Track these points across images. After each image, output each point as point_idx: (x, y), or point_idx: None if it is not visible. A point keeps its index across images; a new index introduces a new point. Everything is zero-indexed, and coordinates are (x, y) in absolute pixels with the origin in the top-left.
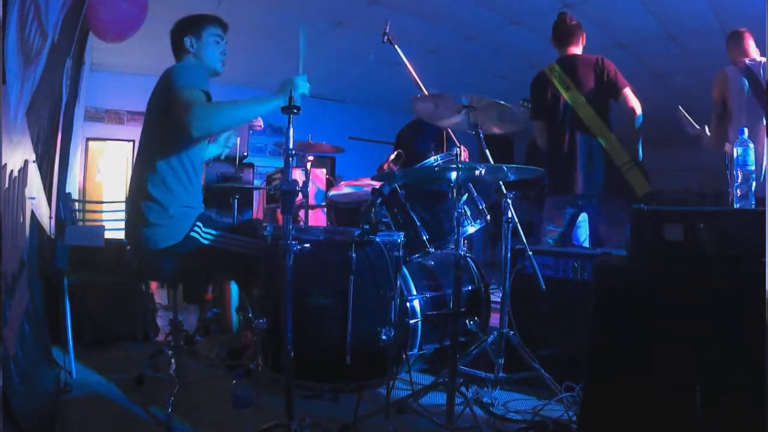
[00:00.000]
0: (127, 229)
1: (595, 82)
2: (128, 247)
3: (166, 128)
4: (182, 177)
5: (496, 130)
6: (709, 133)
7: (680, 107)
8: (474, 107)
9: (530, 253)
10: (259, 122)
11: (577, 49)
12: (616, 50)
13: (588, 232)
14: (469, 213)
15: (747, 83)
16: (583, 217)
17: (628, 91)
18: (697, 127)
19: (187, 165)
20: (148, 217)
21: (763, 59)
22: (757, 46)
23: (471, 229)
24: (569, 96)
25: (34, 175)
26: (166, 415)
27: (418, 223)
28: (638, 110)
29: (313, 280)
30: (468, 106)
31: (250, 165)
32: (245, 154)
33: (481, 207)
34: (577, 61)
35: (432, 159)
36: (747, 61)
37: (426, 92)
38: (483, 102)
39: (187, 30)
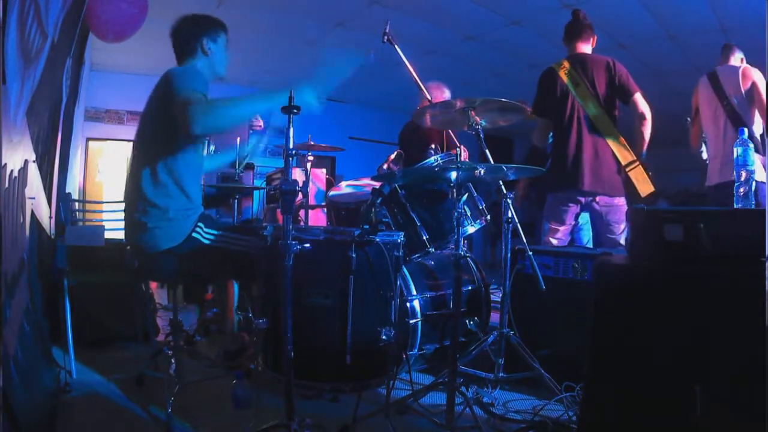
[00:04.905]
0: (126, 232)
1: (607, 83)
2: (128, 248)
3: (164, 131)
4: (180, 179)
5: (502, 123)
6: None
7: (688, 119)
8: (476, 107)
9: (530, 253)
10: (259, 122)
11: (586, 48)
12: (616, 50)
13: (591, 234)
14: (469, 213)
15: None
16: (584, 219)
17: (638, 97)
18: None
19: (184, 167)
20: (147, 220)
21: (742, 65)
22: (757, 46)
23: (471, 229)
24: (577, 93)
25: (34, 175)
26: (166, 415)
27: (418, 223)
28: (647, 114)
29: (313, 280)
30: (470, 107)
31: (251, 165)
32: (245, 154)
33: (481, 207)
34: (587, 60)
35: (432, 159)
36: (717, 67)
37: (428, 97)
38: (484, 102)
39: (206, 31)
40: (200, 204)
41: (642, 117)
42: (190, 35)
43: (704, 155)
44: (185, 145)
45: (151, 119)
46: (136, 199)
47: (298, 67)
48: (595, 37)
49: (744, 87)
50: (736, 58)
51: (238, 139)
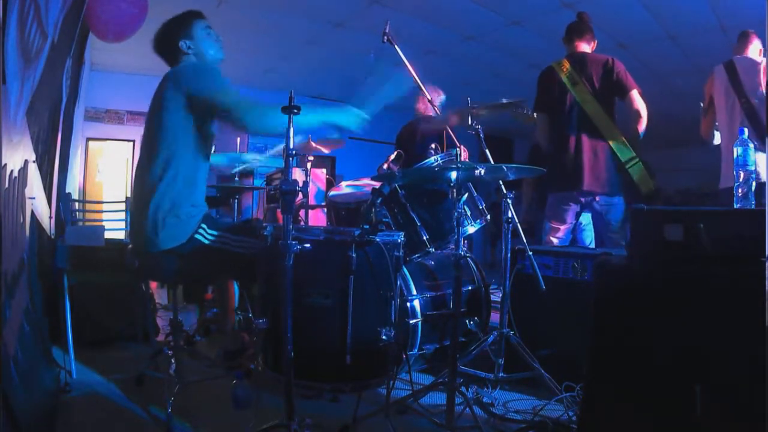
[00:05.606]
0: (132, 229)
1: (604, 80)
2: (129, 247)
3: (173, 130)
4: (188, 178)
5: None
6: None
7: (701, 104)
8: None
9: (530, 253)
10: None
11: (586, 47)
12: (617, 50)
13: (593, 235)
14: (469, 213)
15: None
16: (587, 219)
17: (635, 93)
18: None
19: (193, 166)
20: (154, 218)
21: (763, 59)
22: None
23: (471, 229)
24: (576, 92)
25: (34, 175)
26: (166, 415)
27: (418, 223)
28: (643, 113)
29: (313, 280)
30: (471, 107)
31: (249, 172)
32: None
33: (481, 207)
34: (586, 59)
35: (432, 159)
36: (735, 57)
37: (428, 97)
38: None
39: (178, 33)
40: (205, 204)
41: (637, 115)
42: (165, 44)
43: (716, 140)
44: (194, 145)
45: (158, 118)
46: (144, 196)
47: (299, 67)
48: (596, 42)
49: (765, 85)
50: (755, 48)
51: (239, 140)
